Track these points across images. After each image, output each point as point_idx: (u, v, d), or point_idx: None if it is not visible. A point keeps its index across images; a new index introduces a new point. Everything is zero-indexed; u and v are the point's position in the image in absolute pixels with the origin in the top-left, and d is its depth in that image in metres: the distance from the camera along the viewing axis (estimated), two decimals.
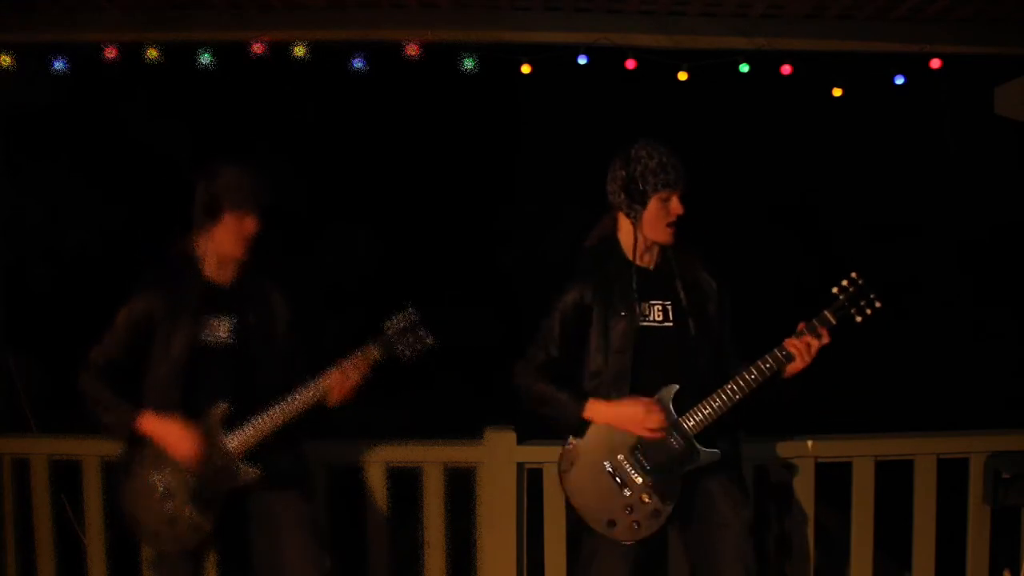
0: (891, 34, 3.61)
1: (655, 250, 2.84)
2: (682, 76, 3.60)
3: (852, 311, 2.75)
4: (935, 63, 3.58)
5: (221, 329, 2.79)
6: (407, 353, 2.83)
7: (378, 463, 3.42)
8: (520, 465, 3.41)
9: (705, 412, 2.71)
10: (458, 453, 3.46)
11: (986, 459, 3.44)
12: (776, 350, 2.73)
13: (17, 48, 3.52)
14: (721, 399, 2.71)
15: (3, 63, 3.51)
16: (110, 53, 3.49)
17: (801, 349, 2.72)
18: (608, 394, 2.74)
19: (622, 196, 2.77)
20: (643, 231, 2.78)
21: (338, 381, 2.79)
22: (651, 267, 2.83)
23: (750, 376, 2.71)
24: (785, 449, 3.41)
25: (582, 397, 2.73)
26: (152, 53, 3.48)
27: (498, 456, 3.40)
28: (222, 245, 2.79)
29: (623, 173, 2.76)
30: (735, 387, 2.71)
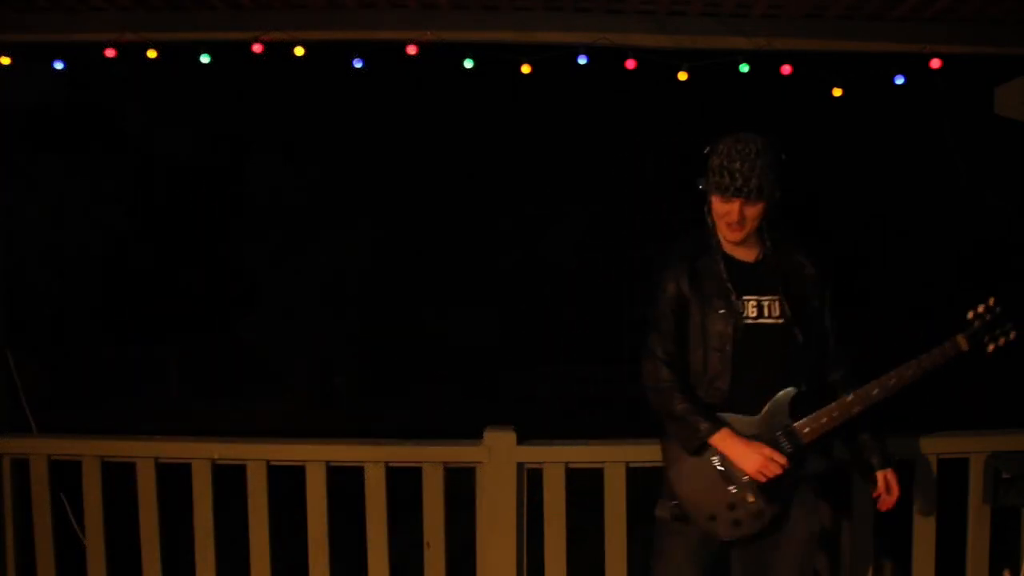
0: (891, 34, 3.60)
1: (753, 241, 2.69)
2: (682, 76, 3.60)
3: (986, 339, 2.68)
4: (935, 63, 3.58)
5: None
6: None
7: (378, 463, 3.42)
8: (520, 465, 3.40)
9: (822, 421, 2.63)
10: (458, 453, 3.45)
11: (986, 459, 3.44)
12: (904, 367, 2.65)
13: (17, 48, 3.52)
14: (840, 411, 2.63)
15: (3, 63, 3.51)
16: (110, 53, 3.50)
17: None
18: (707, 392, 2.65)
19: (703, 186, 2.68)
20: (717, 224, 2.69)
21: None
22: (752, 260, 2.69)
23: (873, 391, 2.64)
24: None
25: (717, 426, 2.59)
26: (152, 53, 3.49)
27: (498, 456, 3.40)
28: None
29: (707, 164, 2.65)
30: (857, 401, 2.63)
